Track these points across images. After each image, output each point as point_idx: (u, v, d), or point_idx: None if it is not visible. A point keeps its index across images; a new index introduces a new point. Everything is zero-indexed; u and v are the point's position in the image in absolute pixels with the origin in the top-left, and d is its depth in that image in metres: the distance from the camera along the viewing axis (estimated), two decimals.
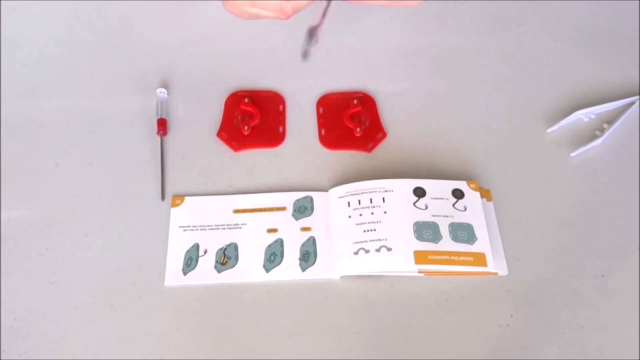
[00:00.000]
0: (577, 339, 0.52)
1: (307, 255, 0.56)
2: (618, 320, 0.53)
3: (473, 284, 0.55)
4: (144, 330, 0.52)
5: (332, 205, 0.59)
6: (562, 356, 0.51)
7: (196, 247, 0.56)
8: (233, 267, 0.55)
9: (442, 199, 0.58)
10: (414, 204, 0.57)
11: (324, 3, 0.56)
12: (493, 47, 0.71)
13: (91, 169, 0.61)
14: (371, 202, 0.57)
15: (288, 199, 0.59)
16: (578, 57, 0.70)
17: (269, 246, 0.57)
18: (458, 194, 0.58)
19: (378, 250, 0.55)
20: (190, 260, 0.56)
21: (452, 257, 0.54)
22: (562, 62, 0.70)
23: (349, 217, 0.57)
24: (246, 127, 0.63)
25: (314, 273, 0.55)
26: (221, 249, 0.56)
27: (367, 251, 0.55)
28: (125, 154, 0.62)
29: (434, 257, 0.54)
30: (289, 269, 0.55)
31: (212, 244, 0.57)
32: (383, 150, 0.63)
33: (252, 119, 0.64)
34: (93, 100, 0.66)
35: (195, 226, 0.58)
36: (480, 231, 0.56)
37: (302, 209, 0.59)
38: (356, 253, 0.55)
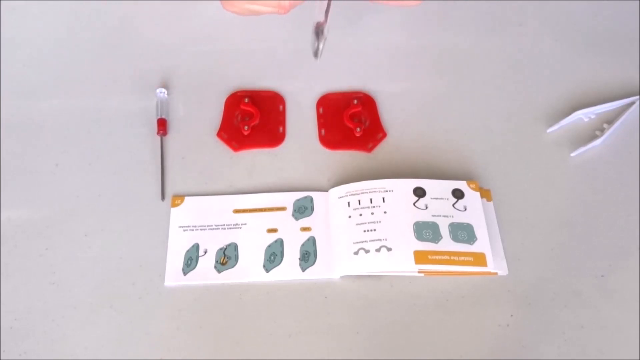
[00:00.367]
0: (577, 339, 0.52)
1: (307, 255, 0.56)
2: (618, 320, 0.53)
3: (473, 284, 0.55)
4: (144, 330, 0.52)
5: (332, 205, 0.59)
6: (562, 356, 0.51)
7: (196, 247, 0.56)
8: (233, 267, 0.55)
9: (442, 199, 0.58)
10: (414, 204, 0.57)
11: (324, 2, 0.56)
12: (493, 47, 0.71)
13: (91, 169, 0.61)
14: (371, 202, 0.57)
15: (288, 199, 0.59)
16: (578, 57, 0.70)
17: (269, 246, 0.57)
18: (458, 194, 0.58)
19: (378, 250, 0.55)
20: (190, 260, 0.56)
21: (452, 257, 0.54)
22: (562, 62, 0.70)
23: (349, 217, 0.57)
24: (246, 127, 0.63)
25: (314, 273, 0.55)
26: (221, 249, 0.56)
27: (367, 251, 0.55)
28: (125, 154, 0.62)
29: (434, 257, 0.54)
30: (289, 269, 0.55)
31: (212, 244, 0.57)
32: (383, 150, 0.63)
33: (252, 119, 0.64)
34: (93, 100, 0.66)
35: (195, 226, 0.58)
36: (480, 231, 0.56)
37: (302, 209, 0.59)
38: (356, 253, 0.55)
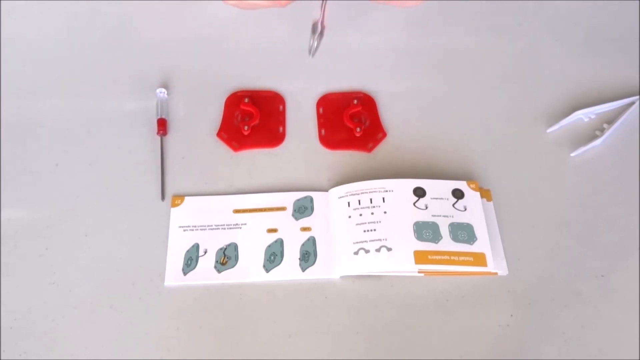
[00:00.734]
0: (577, 339, 0.52)
1: (307, 255, 0.56)
2: (618, 320, 0.53)
3: (473, 284, 0.55)
4: (144, 330, 0.52)
5: (332, 205, 0.59)
6: (562, 356, 0.51)
7: (196, 247, 0.56)
8: (233, 267, 0.55)
9: (442, 199, 0.58)
10: (414, 204, 0.57)
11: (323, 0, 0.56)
12: (493, 47, 0.71)
13: (91, 169, 0.61)
14: (371, 202, 0.57)
15: (288, 199, 0.59)
16: (578, 57, 0.70)
17: (269, 246, 0.57)
18: (458, 194, 0.58)
19: (378, 250, 0.55)
20: (190, 260, 0.56)
21: (452, 257, 0.54)
22: (562, 62, 0.70)
23: (349, 217, 0.57)
24: (246, 127, 0.63)
25: (314, 273, 0.55)
26: (221, 249, 0.56)
27: (367, 251, 0.55)
28: (125, 154, 0.62)
29: (434, 257, 0.54)
30: (289, 269, 0.55)
31: (212, 244, 0.57)
32: (383, 150, 0.63)
33: (252, 119, 0.64)
34: (93, 100, 0.66)
35: (195, 226, 0.58)
36: (480, 231, 0.56)
37: (302, 209, 0.59)
38: (356, 253, 0.55)
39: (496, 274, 0.55)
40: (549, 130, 0.64)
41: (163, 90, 0.66)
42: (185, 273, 0.55)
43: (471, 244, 0.55)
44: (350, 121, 0.64)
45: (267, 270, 0.55)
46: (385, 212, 0.57)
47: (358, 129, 0.63)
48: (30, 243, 0.57)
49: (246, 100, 0.65)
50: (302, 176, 0.61)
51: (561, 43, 0.72)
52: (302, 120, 0.65)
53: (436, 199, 0.58)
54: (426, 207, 0.57)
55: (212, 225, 0.58)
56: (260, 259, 0.56)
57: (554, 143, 0.64)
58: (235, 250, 0.56)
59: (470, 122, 0.65)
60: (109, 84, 0.68)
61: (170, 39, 0.71)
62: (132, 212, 0.59)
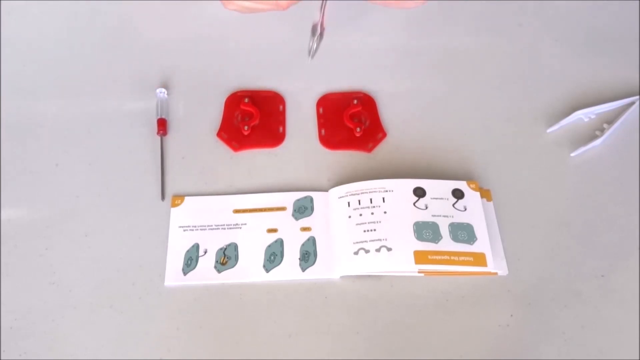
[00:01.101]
0: (577, 339, 0.52)
1: (307, 255, 0.56)
2: (618, 320, 0.53)
3: (473, 284, 0.55)
4: (144, 330, 0.52)
5: (332, 205, 0.59)
6: (562, 356, 0.51)
7: (196, 247, 0.56)
8: (233, 267, 0.55)
9: (442, 199, 0.58)
10: (414, 204, 0.57)
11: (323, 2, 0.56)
12: (493, 47, 0.71)
13: (91, 169, 0.61)
14: (371, 202, 0.57)
15: (288, 199, 0.59)
16: (578, 57, 0.70)
17: (269, 246, 0.57)
18: (458, 194, 0.58)
19: (378, 250, 0.55)
20: (190, 260, 0.56)
21: (452, 257, 0.54)
22: (562, 62, 0.70)
23: (349, 217, 0.57)
24: (246, 127, 0.63)
25: (314, 273, 0.55)
26: (221, 249, 0.56)
27: (367, 251, 0.55)
28: (125, 154, 0.62)
29: (434, 257, 0.54)
30: (289, 269, 0.55)
31: (212, 244, 0.57)
32: (383, 150, 0.63)
33: (252, 119, 0.64)
34: (93, 100, 0.66)
35: (195, 226, 0.58)
36: (480, 231, 0.56)
37: (302, 209, 0.59)
38: (356, 253, 0.55)
39: (496, 274, 0.55)
40: (549, 130, 0.64)
41: (163, 90, 0.66)
42: (185, 273, 0.55)
43: (471, 244, 0.55)
44: (350, 121, 0.64)
45: (267, 270, 0.55)
46: (385, 212, 0.57)
47: (358, 129, 0.63)
48: (30, 243, 0.57)
49: (246, 100, 0.65)
50: (302, 176, 0.61)
51: (561, 43, 0.72)
52: (302, 120, 0.65)
53: (436, 199, 0.58)
54: (426, 207, 0.57)
55: (212, 225, 0.58)
56: (260, 259, 0.56)
57: (554, 143, 0.64)
58: (235, 250, 0.56)
59: (470, 122, 0.65)
60: (109, 84, 0.68)
61: (170, 39, 0.71)
62: (132, 212, 0.59)
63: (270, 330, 0.52)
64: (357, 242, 0.55)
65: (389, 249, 0.54)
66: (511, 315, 0.53)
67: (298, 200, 0.59)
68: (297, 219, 0.58)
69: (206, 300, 0.54)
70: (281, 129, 0.65)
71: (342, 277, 0.55)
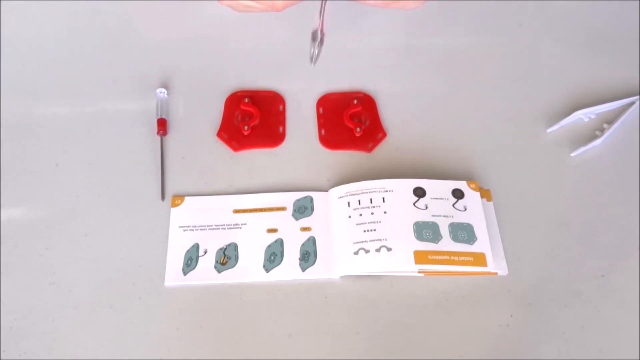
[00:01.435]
0: (577, 339, 0.52)
1: (307, 255, 0.56)
2: (618, 320, 0.53)
3: (473, 284, 0.55)
4: (144, 330, 0.52)
5: (332, 205, 0.59)
6: (562, 356, 0.51)
7: (196, 247, 0.56)
8: (233, 267, 0.55)
9: (442, 199, 0.58)
10: (414, 204, 0.57)
11: (321, 2, 0.56)
12: (493, 47, 0.71)
13: (91, 169, 0.61)
14: (371, 202, 0.57)
15: (288, 199, 0.59)
16: (578, 57, 0.70)
17: (269, 246, 0.57)
18: (458, 194, 0.58)
19: (378, 250, 0.55)
20: (190, 260, 0.56)
21: (452, 257, 0.54)
22: (562, 62, 0.70)
23: (349, 217, 0.57)
24: (246, 127, 0.63)
25: (314, 273, 0.55)
26: (221, 249, 0.56)
27: (367, 251, 0.55)
28: (125, 154, 0.62)
29: (434, 257, 0.54)
30: (289, 269, 0.55)
31: (212, 244, 0.57)
32: (383, 150, 0.63)
33: (252, 119, 0.64)
34: (93, 100, 0.66)
35: (195, 226, 0.58)
36: (480, 231, 0.56)
37: (302, 209, 0.59)
38: (356, 253, 0.55)
39: (496, 274, 0.55)
40: (549, 130, 0.64)
41: (163, 90, 0.66)
42: (185, 273, 0.55)
43: (471, 244, 0.55)
44: (350, 121, 0.64)
45: (267, 270, 0.55)
46: (385, 212, 0.57)
47: (358, 129, 0.63)
48: (30, 243, 0.57)
49: (246, 100, 0.65)
50: (302, 176, 0.61)
51: (561, 43, 0.72)
52: (302, 120, 0.65)
53: (436, 199, 0.58)
54: (426, 207, 0.57)
55: (212, 225, 0.58)
56: (260, 259, 0.56)
57: (554, 143, 0.64)
58: (235, 250, 0.56)
59: (470, 122, 0.65)
60: (109, 84, 0.68)
61: (170, 39, 0.71)
62: (132, 212, 0.59)
63: (270, 330, 0.52)
64: (357, 242, 0.55)
65: (389, 249, 0.54)
66: (511, 315, 0.53)
67: (298, 200, 0.59)
68: (297, 219, 0.58)
69: (206, 300, 0.54)
70: (281, 129, 0.65)
71: (342, 277, 0.55)
